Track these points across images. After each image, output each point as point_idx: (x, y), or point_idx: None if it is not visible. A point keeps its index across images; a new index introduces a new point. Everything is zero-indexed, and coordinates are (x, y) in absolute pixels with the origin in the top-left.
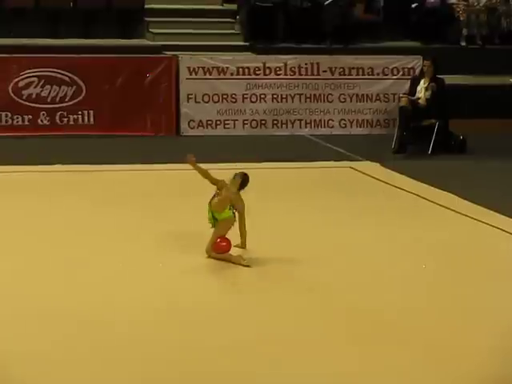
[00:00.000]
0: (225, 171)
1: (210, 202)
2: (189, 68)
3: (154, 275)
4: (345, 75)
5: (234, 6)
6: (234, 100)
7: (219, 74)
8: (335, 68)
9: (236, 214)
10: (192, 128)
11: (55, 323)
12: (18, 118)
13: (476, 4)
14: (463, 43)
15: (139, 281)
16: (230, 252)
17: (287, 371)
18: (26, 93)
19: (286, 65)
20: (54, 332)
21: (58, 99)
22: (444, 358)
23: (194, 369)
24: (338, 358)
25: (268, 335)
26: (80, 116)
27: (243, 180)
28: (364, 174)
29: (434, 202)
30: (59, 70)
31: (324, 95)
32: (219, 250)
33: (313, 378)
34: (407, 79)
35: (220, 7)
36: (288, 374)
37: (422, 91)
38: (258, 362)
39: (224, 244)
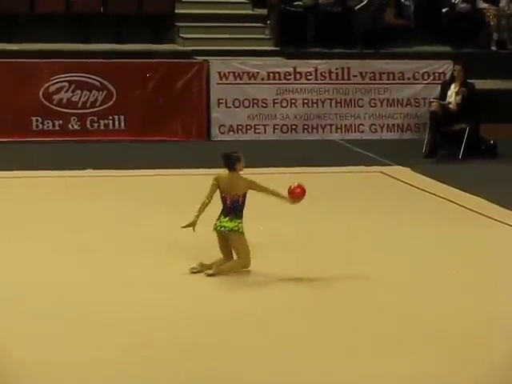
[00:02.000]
0: (255, 176)
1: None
2: (219, 73)
3: (182, 280)
4: (375, 80)
5: (264, 11)
6: (264, 105)
7: (250, 79)
8: (366, 73)
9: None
10: (222, 133)
11: (81, 325)
12: (48, 122)
13: (507, 9)
14: (494, 48)
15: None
16: None
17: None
18: (56, 98)
19: (316, 69)
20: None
21: (88, 104)
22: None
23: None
24: (369, 359)
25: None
26: (111, 121)
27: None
28: (395, 178)
29: (464, 207)
30: (90, 75)
31: (354, 100)
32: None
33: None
34: (438, 84)
35: (250, 12)
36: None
37: (452, 96)
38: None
39: (298, 191)
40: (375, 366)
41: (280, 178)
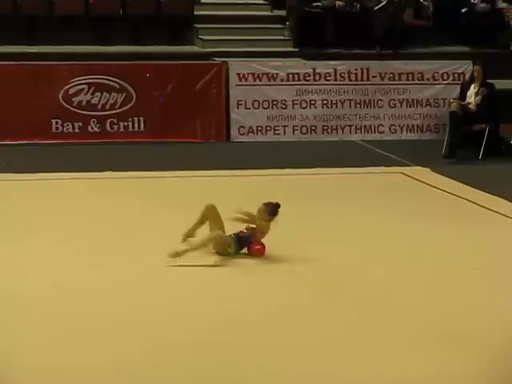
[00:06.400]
0: (274, 177)
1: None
2: (238, 74)
3: (197, 279)
4: (395, 80)
5: (283, 12)
6: (283, 106)
7: (269, 80)
8: (385, 73)
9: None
10: (242, 134)
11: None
12: (68, 125)
13: None
14: None
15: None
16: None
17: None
18: (76, 100)
19: (335, 70)
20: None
21: (108, 106)
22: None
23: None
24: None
25: (327, 338)
26: (130, 123)
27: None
28: (415, 179)
29: (485, 207)
30: (109, 77)
31: (374, 101)
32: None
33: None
34: (457, 84)
35: (269, 13)
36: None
37: (472, 96)
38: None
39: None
40: (386, 367)
41: (300, 179)
